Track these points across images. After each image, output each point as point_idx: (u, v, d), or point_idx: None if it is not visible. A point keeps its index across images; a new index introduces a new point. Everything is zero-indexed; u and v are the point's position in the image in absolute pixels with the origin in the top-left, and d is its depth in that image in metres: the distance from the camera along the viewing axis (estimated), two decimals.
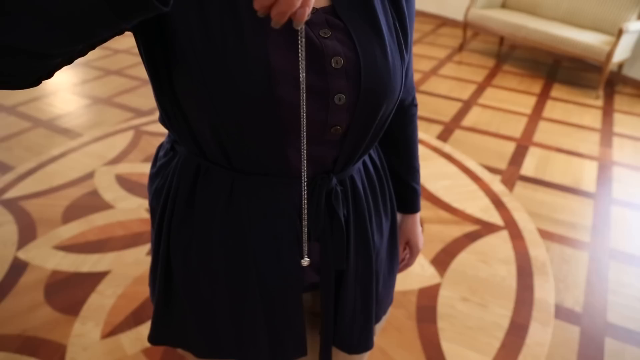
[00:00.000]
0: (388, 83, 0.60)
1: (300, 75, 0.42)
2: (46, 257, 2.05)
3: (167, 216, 0.69)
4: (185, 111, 0.59)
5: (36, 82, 0.45)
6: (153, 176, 0.75)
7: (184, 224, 0.69)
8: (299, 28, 0.38)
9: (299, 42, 0.40)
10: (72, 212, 2.35)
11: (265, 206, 0.66)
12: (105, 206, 2.40)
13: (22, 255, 2.07)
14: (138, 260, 2.05)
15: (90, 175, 2.66)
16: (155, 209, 0.74)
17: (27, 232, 2.22)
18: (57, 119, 3.35)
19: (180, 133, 0.64)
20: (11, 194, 2.49)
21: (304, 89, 0.44)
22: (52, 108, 3.53)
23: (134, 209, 2.38)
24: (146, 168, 2.74)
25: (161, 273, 0.73)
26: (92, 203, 2.43)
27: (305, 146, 0.50)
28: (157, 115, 3.40)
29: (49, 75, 0.46)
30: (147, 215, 2.33)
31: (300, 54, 0.41)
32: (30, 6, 0.36)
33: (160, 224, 0.71)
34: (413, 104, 0.84)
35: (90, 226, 2.26)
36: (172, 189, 0.68)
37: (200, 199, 0.67)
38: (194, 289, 0.72)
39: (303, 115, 0.46)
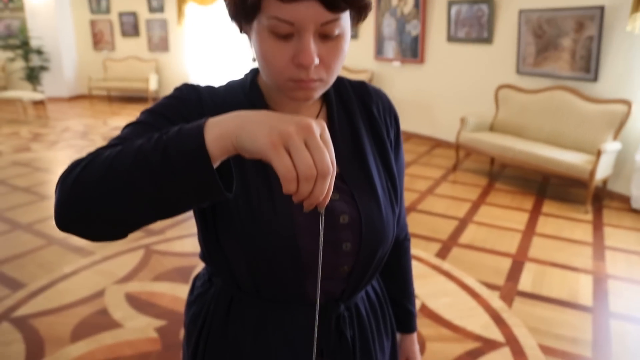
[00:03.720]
0: (383, 233, 0.78)
1: (320, 240, 0.57)
2: None
3: (203, 338, 0.83)
4: (227, 253, 0.76)
5: (125, 237, 0.62)
6: (191, 303, 0.89)
7: (219, 345, 0.82)
8: (321, 211, 0.55)
9: (320, 219, 0.56)
10: (81, 331, 2.41)
11: (286, 329, 0.80)
12: (114, 325, 2.46)
13: None
14: None
15: (100, 293, 2.75)
16: (191, 332, 0.87)
17: (36, 351, 2.25)
18: (70, 237, 3.50)
19: (220, 268, 0.80)
20: (22, 311, 2.56)
21: (321, 249, 0.59)
22: None
23: (143, 328, 2.43)
24: (156, 287, 2.83)
25: None
26: (102, 321, 2.49)
27: (319, 287, 0.64)
28: (167, 234, 3.56)
29: (134, 232, 0.63)
30: (155, 335, 2.38)
31: (320, 228, 0.57)
32: (148, 201, 0.54)
33: (196, 345, 0.84)
34: (406, 239, 1.01)
35: (99, 345, 2.30)
36: (209, 314, 0.83)
37: (233, 323, 0.81)
38: None
39: (319, 265, 0.60)
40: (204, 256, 0.84)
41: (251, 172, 0.73)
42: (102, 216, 0.55)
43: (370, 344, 0.86)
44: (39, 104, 9.02)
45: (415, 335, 1.05)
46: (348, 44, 0.69)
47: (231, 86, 0.79)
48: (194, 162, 0.51)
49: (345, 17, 0.66)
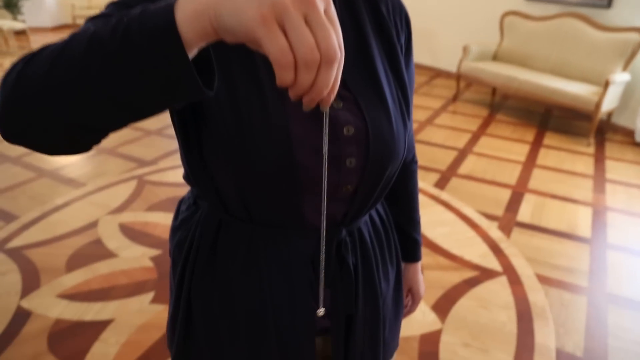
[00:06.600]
0: (393, 149, 0.68)
1: (324, 148, 0.48)
2: (49, 306, 2.07)
3: (190, 266, 0.74)
4: (212, 172, 0.66)
5: (89, 149, 0.52)
6: (175, 229, 0.80)
7: (206, 274, 0.74)
8: (324, 111, 0.45)
9: (324, 121, 0.46)
10: (76, 261, 2.38)
11: (281, 256, 0.71)
12: (109, 255, 2.43)
13: (25, 304, 2.08)
14: (141, 309, 2.06)
15: (94, 224, 2.70)
16: (177, 260, 0.78)
17: (31, 280, 2.23)
18: (61, 169, 3.42)
19: (205, 190, 0.70)
20: (15, 242, 2.52)
21: (326, 159, 0.49)
22: (56, 158, 3.60)
23: (137, 258, 2.40)
24: (149, 217, 2.79)
25: (182, 320, 0.77)
26: (96, 252, 2.46)
27: (325, 209, 0.54)
28: (160, 164, 3.48)
29: (99, 142, 0.53)
30: (150, 264, 2.36)
31: (324, 132, 0.47)
32: (105, 97, 0.44)
33: (182, 273, 0.76)
34: (413, 161, 0.91)
35: (94, 274, 2.28)
36: (195, 241, 0.74)
37: (222, 250, 0.72)
38: (213, 335, 0.75)
39: (324, 186, 0.51)
40: (187, 176, 0.74)
41: (239, 73, 0.61)
42: (53, 117, 0.45)
43: (374, 272, 0.78)
44: (21, 34, 8.63)
45: (419, 265, 0.98)
46: None
47: None
48: (161, 44, 0.41)
49: None
